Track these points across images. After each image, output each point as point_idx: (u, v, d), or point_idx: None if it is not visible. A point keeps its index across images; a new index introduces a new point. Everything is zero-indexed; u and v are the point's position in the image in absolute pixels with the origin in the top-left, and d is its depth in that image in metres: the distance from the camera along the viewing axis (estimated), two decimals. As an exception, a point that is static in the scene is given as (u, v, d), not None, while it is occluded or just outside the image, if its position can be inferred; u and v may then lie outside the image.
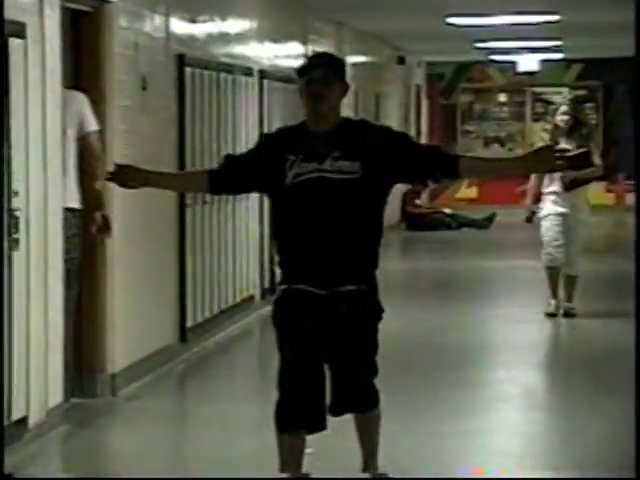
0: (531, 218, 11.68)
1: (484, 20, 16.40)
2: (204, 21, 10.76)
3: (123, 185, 5.95)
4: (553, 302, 11.60)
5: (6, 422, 6.87)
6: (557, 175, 11.02)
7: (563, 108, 11.84)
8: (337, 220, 5.74)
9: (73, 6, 8.05)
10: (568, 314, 11.55)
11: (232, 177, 5.89)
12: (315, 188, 5.71)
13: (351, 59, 17.71)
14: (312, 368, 5.76)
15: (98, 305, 8.41)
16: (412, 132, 24.64)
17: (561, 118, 11.71)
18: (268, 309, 12.14)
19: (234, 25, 11.77)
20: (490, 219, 22.05)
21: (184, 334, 10.02)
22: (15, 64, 7.04)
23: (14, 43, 7.01)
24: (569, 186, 11.31)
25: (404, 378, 9.25)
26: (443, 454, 7.12)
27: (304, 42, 14.88)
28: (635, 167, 9.28)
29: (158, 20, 9.58)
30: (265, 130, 12.62)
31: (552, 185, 11.39)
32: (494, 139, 26.53)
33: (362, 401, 5.89)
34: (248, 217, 12.08)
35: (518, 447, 7.54)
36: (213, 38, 11.03)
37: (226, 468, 6.86)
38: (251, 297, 12.14)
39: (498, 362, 10.48)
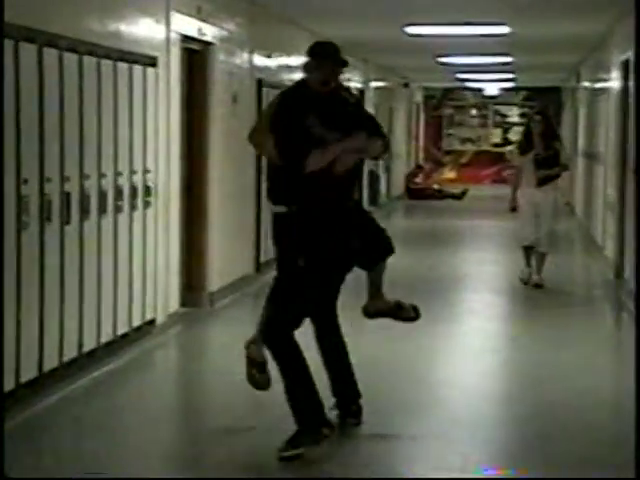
0: (515, 208, 9.89)
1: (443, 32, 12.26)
2: (275, 57, 10.73)
3: None
4: (526, 270, 9.95)
5: (140, 322, 6.93)
6: (531, 173, 9.64)
7: (537, 117, 9.97)
8: None
9: (188, 46, 8.05)
10: (538, 285, 9.76)
11: None
12: None
13: (374, 84, 17.62)
14: None
15: (203, 244, 8.42)
16: (413, 134, 24.56)
17: (535, 125, 9.82)
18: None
19: (294, 60, 11.73)
20: (464, 193, 22.00)
21: (259, 266, 10.04)
22: (150, 85, 7.06)
23: (149, 71, 7.03)
24: (541, 181, 9.73)
25: (406, 299, 9.26)
26: (421, 350, 7.03)
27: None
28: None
29: (245, 56, 9.57)
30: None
31: (528, 180, 9.73)
32: (467, 139, 26.42)
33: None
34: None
35: (478, 343, 7.55)
36: (282, 68, 11.00)
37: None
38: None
39: (470, 288, 10.48)
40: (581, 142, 16.72)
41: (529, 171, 9.69)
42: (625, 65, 10.36)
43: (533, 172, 9.66)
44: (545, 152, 9.69)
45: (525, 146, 9.81)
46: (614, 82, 11.46)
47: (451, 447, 4.87)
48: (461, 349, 7.37)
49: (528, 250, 9.89)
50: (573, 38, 13.18)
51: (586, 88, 16.25)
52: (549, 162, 9.69)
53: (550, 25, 11.72)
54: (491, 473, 4.44)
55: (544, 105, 11.23)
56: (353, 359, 5.15)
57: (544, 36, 12.83)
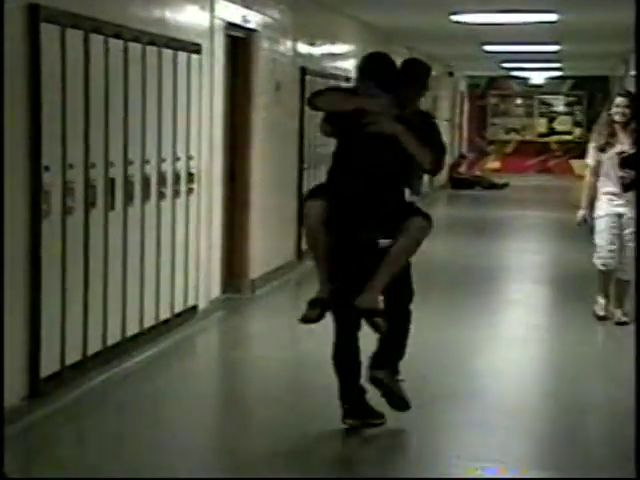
0: (584, 220, 7.53)
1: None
2: (319, 45, 10.73)
3: None
4: (603, 302, 7.61)
5: (183, 307, 6.99)
6: (614, 173, 7.37)
7: (618, 100, 7.46)
8: None
9: (232, 34, 8.08)
10: (620, 322, 7.44)
11: None
12: None
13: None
14: None
15: (245, 231, 8.45)
16: (456, 123, 24.43)
17: (617, 111, 7.37)
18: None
19: (338, 48, 11.73)
20: (506, 184, 21.89)
21: (300, 254, 10.02)
22: (194, 72, 7.10)
23: (193, 58, 7.06)
24: (627, 187, 7.35)
25: (448, 288, 9.26)
26: (460, 342, 6.97)
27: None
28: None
29: (288, 44, 9.58)
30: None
31: (608, 184, 7.41)
32: (512, 129, 26.19)
33: None
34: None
35: (521, 333, 7.49)
36: (325, 56, 11.00)
37: (325, 338, 6.93)
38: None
39: (512, 278, 10.43)
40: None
41: (610, 173, 7.41)
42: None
43: (616, 174, 7.39)
44: (633, 148, 7.35)
45: (606, 140, 7.44)
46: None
47: (490, 436, 4.88)
48: (502, 339, 7.35)
49: (606, 276, 7.56)
50: (622, 26, 12.98)
51: (635, 76, 16.06)
52: (635, 161, 7.32)
53: (599, 12, 11.51)
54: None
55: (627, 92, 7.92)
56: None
57: (593, 24, 12.63)
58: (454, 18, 11.85)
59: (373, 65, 4.93)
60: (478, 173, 22.95)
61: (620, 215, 7.41)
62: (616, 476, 4.31)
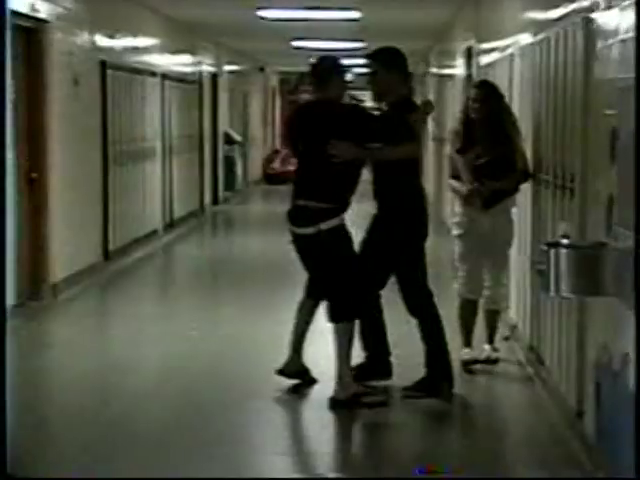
0: (477, 191, 5.81)
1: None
2: (120, 38, 10.30)
3: None
4: (467, 350, 5.94)
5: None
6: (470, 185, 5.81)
7: (473, 93, 5.92)
8: None
9: (21, 24, 7.56)
10: (489, 360, 5.94)
11: None
12: None
13: (227, 68, 17.30)
14: None
15: (43, 232, 7.99)
16: (268, 119, 24.36)
17: (472, 106, 5.83)
18: (168, 239, 11.92)
19: (143, 41, 11.32)
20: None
21: (107, 255, 9.65)
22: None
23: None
24: (488, 201, 5.78)
25: (265, 282, 9.04)
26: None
27: (194, 54, 14.46)
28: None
29: (86, 36, 9.13)
30: (166, 113, 12.26)
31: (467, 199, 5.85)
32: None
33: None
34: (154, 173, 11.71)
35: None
36: (127, 49, 10.58)
37: (135, 344, 6.60)
38: (155, 231, 11.78)
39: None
40: (430, 127, 16.80)
41: (467, 182, 5.86)
42: (468, 52, 10.41)
43: (472, 184, 5.82)
44: (490, 152, 5.79)
45: (463, 142, 5.91)
46: (459, 69, 11.51)
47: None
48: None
49: (469, 308, 5.95)
50: (421, 26, 13.34)
51: (434, 74, 16.38)
52: (498, 169, 5.78)
53: (399, 12, 11.81)
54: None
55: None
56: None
57: (394, 22, 12.92)
58: (261, 13, 11.72)
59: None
60: (291, 168, 22.96)
61: (482, 236, 5.85)
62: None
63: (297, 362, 5.40)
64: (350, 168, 5.18)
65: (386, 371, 5.50)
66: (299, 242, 5.24)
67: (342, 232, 5.16)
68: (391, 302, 5.52)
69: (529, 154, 5.93)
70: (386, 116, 5.37)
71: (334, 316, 5.14)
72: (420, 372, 5.33)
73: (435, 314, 5.34)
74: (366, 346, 5.51)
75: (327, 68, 5.36)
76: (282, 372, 5.42)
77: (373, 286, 5.32)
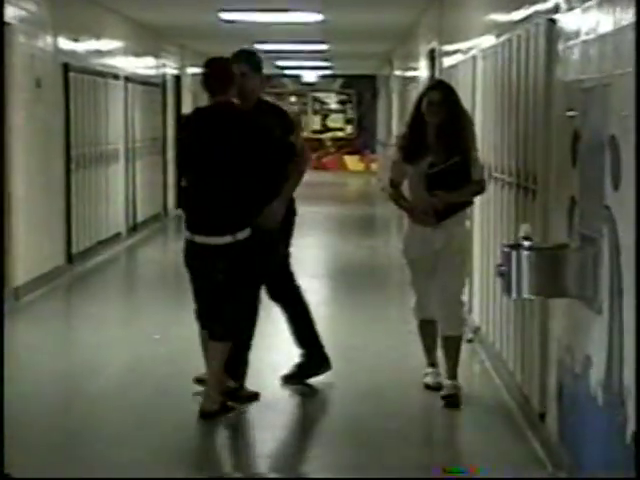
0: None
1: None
2: (84, 41, 10.20)
3: None
4: (430, 369, 5.48)
5: None
6: (425, 195, 5.21)
7: (432, 95, 5.23)
8: None
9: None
10: (449, 396, 5.18)
11: None
12: None
13: (190, 70, 17.22)
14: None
15: (4, 235, 7.85)
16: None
17: (429, 110, 5.19)
18: (132, 242, 11.83)
19: (106, 44, 11.23)
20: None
21: (71, 258, 9.54)
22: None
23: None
24: (441, 214, 5.21)
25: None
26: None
27: (157, 57, 14.37)
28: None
29: (49, 39, 9.04)
30: (129, 116, 12.18)
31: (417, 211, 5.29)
32: (287, 126, 26.48)
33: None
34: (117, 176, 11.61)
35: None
36: (90, 52, 10.48)
37: (99, 348, 6.53)
38: (119, 234, 11.68)
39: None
40: (395, 128, 16.86)
41: (419, 193, 5.26)
42: (431, 54, 10.43)
43: (425, 196, 5.23)
44: (445, 160, 5.20)
45: (413, 148, 5.29)
46: (422, 70, 11.54)
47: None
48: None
49: (429, 329, 5.43)
50: (384, 28, 13.34)
51: (398, 76, 16.42)
52: (452, 178, 5.21)
53: (362, 14, 11.80)
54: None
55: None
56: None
57: (357, 25, 12.93)
58: (223, 16, 11.66)
59: None
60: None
61: (435, 253, 5.26)
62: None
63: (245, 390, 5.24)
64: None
65: (325, 362, 5.54)
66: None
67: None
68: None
69: (491, 156, 5.95)
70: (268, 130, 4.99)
71: (217, 335, 4.94)
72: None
73: (298, 296, 5.43)
74: (301, 344, 5.57)
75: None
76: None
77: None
